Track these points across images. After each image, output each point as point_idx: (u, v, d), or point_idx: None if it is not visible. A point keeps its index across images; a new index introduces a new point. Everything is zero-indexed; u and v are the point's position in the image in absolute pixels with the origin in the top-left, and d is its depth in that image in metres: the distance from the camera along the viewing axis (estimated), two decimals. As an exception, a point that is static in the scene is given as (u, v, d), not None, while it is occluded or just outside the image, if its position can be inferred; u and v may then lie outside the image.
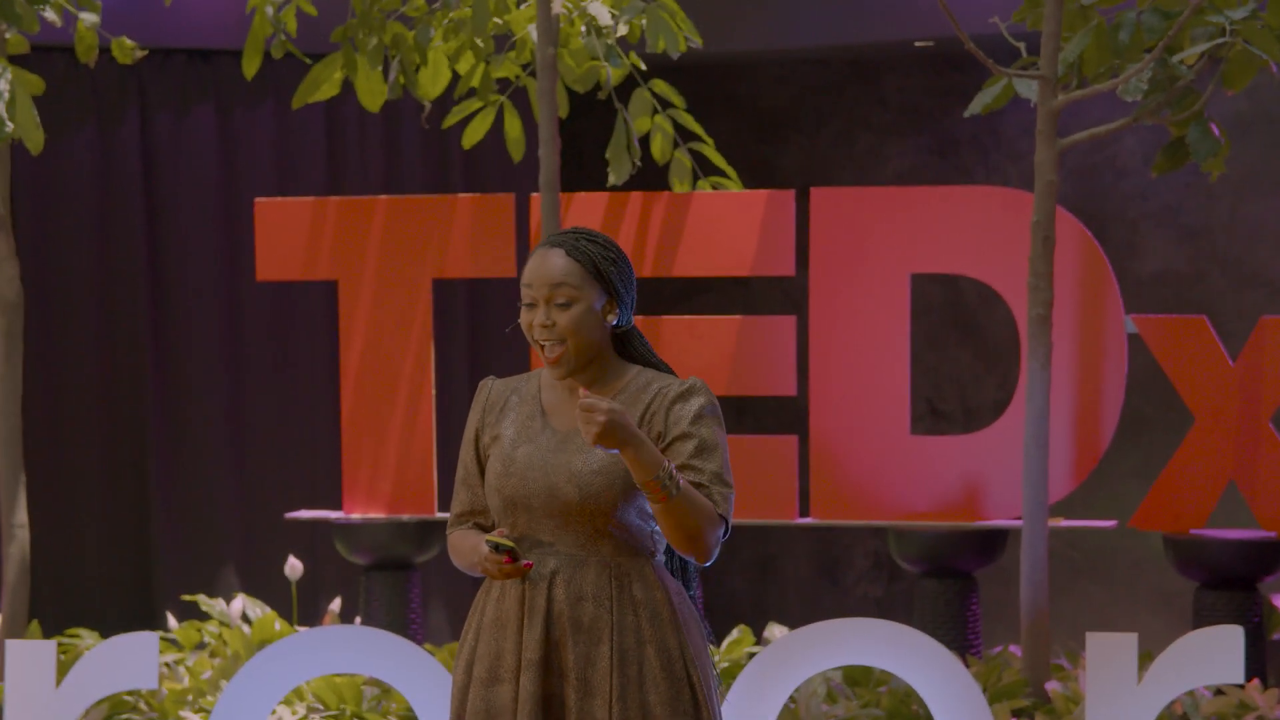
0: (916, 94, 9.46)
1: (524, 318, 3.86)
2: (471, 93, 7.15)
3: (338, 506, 8.07)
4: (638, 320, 7.14)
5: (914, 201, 7.19)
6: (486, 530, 3.94)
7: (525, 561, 3.80)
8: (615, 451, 3.70)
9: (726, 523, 3.79)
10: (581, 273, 3.83)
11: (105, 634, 7.17)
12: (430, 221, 7.43)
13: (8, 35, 6.77)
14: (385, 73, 7.09)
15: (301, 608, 8.27)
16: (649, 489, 3.70)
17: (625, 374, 3.91)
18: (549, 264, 3.84)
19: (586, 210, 7.31)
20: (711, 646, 3.98)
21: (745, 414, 9.55)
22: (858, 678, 6.50)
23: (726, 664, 6.75)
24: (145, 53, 7.16)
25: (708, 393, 3.86)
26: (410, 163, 9.24)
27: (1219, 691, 6.47)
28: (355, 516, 7.47)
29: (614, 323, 3.87)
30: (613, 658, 3.79)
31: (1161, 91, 6.26)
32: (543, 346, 3.85)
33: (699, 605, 3.99)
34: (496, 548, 3.77)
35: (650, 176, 7.60)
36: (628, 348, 3.94)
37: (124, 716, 6.54)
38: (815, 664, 5.69)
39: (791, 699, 6.25)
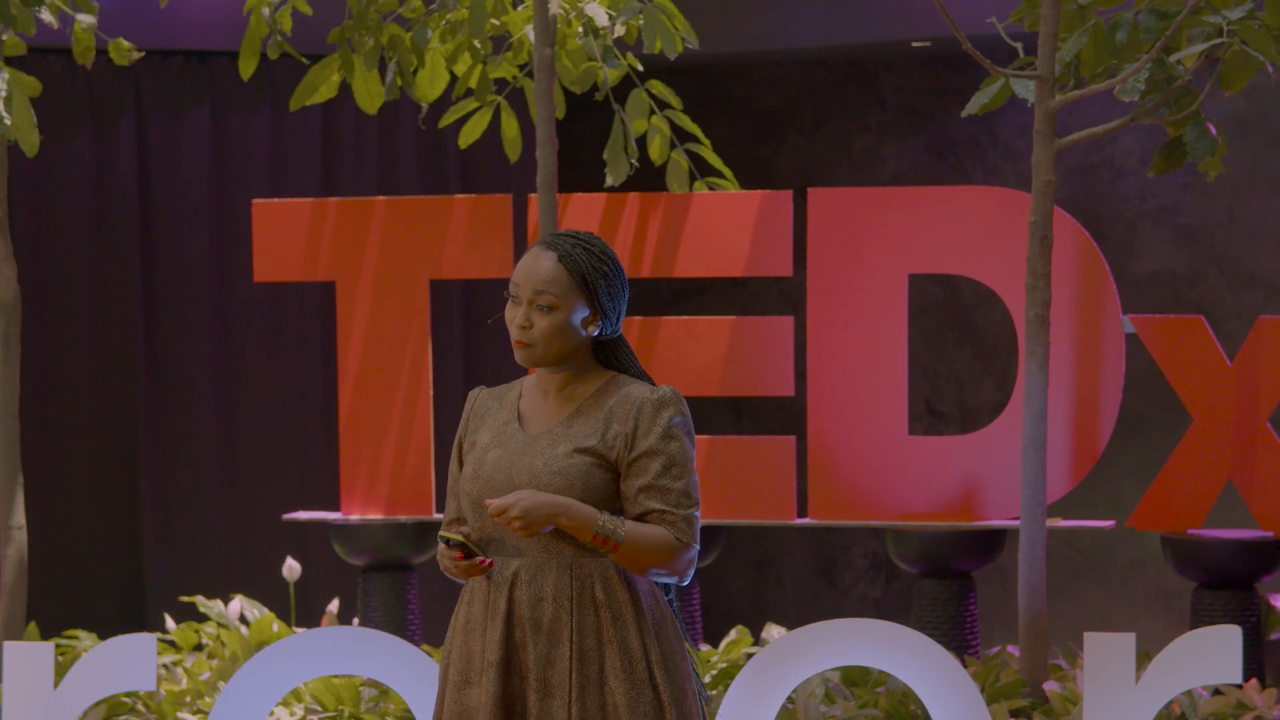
0: (914, 94, 9.45)
1: (507, 311, 3.87)
2: (469, 94, 7.14)
3: (335, 508, 8.06)
4: (636, 321, 7.17)
5: (912, 202, 7.18)
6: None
7: (480, 559, 3.80)
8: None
9: (693, 544, 3.80)
10: (568, 281, 3.82)
11: (103, 635, 7.16)
12: (427, 222, 7.43)
13: (4, 37, 6.76)
14: (382, 74, 7.08)
15: (299, 609, 8.27)
16: (595, 544, 3.75)
17: (599, 379, 3.91)
18: (538, 266, 3.83)
19: (584, 211, 7.30)
20: (707, 649, 3.98)
21: (743, 414, 9.55)
22: (855, 678, 6.50)
23: (724, 664, 6.74)
24: (142, 54, 7.15)
25: (679, 403, 3.86)
26: (407, 164, 9.24)
27: (1217, 691, 6.47)
28: (353, 517, 7.46)
29: (594, 334, 3.87)
30: (572, 658, 3.78)
31: (1159, 92, 6.25)
32: (518, 340, 3.86)
33: (680, 609, 3.98)
34: (448, 542, 3.78)
35: (647, 177, 7.59)
36: (611, 356, 3.94)
37: (122, 718, 6.54)
38: (813, 664, 5.69)
39: (789, 699, 6.25)
